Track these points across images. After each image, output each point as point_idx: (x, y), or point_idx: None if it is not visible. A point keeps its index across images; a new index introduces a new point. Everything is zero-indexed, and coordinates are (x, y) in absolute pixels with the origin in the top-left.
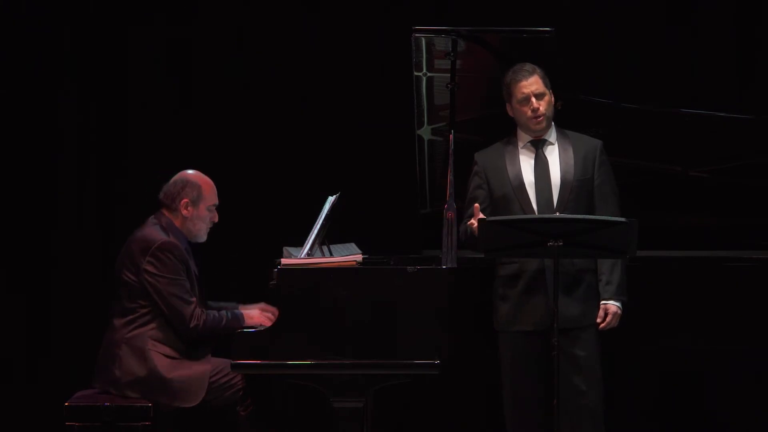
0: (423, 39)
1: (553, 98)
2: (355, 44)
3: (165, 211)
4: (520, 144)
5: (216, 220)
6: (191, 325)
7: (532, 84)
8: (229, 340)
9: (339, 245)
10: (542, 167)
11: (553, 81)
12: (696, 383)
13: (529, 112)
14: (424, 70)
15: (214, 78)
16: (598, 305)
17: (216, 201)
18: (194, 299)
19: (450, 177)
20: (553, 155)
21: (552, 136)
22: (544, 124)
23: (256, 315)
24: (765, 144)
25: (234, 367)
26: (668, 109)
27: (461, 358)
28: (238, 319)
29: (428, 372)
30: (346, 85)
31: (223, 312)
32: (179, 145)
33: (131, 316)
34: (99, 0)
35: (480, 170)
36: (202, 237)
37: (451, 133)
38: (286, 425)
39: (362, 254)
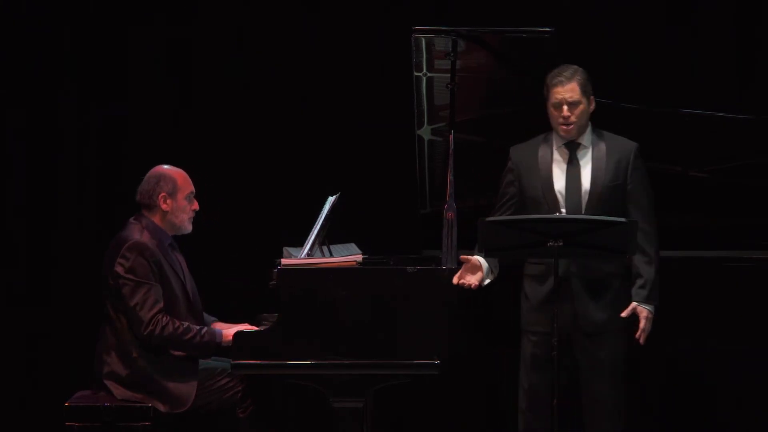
0: (423, 39)
1: (592, 105)
2: (355, 44)
3: (144, 212)
4: (555, 144)
5: (197, 208)
6: (145, 332)
7: (567, 91)
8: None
9: (339, 245)
10: (574, 172)
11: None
12: (696, 383)
13: (560, 119)
14: (424, 70)
15: (214, 78)
16: (622, 308)
17: (192, 189)
18: (157, 306)
19: (450, 177)
20: (585, 159)
21: (587, 139)
22: (573, 133)
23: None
24: (765, 144)
25: (234, 367)
26: (668, 109)
27: (461, 358)
28: (215, 335)
29: (428, 372)
30: (346, 85)
31: (198, 327)
32: (179, 145)
33: (116, 323)
34: (99, 0)
35: (513, 167)
36: (187, 227)
37: (451, 133)
38: (286, 426)
39: (362, 254)
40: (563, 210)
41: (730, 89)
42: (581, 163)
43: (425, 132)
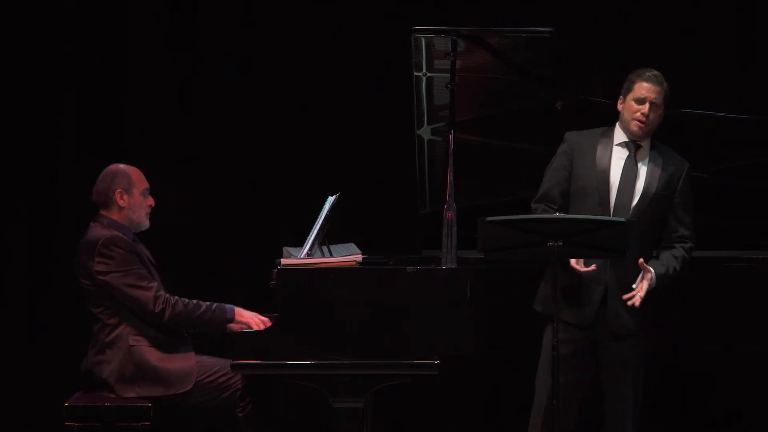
0: (423, 39)
1: (663, 118)
2: (355, 44)
3: (102, 211)
4: (616, 140)
5: (153, 204)
6: (156, 310)
7: (654, 92)
8: (229, 340)
9: (339, 245)
10: (631, 171)
11: (553, 81)
12: (695, 383)
13: (638, 114)
14: (424, 70)
15: (214, 78)
16: (648, 313)
17: (147, 185)
18: (155, 284)
19: (450, 177)
20: (643, 163)
21: (647, 144)
22: (644, 131)
23: (249, 315)
24: (765, 144)
25: (234, 367)
26: (668, 109)
27: (461, 358)
28: (225, 311)
29: (428, 372)
30: (346, 85)
31: (208, 303)
32: (179, 145)
33: (104, 321)
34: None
35: (568, 150)
36: (145, 223)
37: (451, 133)
38: (286, 426)
39: (362, 254)
40: (612, 206)
41: (730, 89)
42: (639, 164)
43: (425, 132)
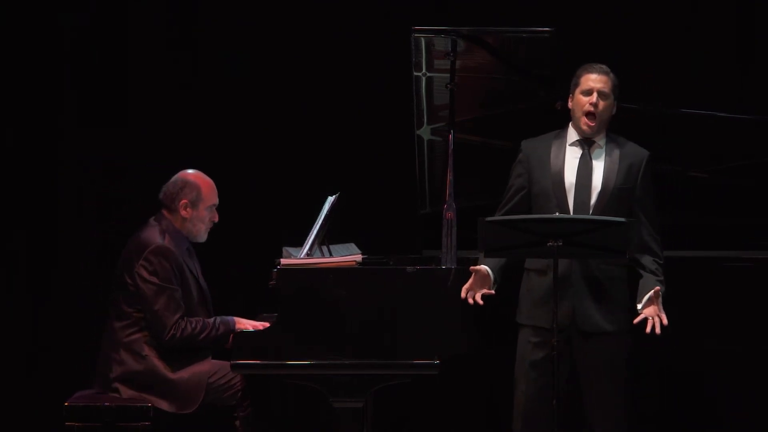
0: (423, 39)
1: (615, 109)
2: (355, 44)
3: (165, 212)
4: (569, 140)
5: (216, 219)
6: (166, 337)
7: (600, 81)
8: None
9: (339, 245)
10: (585, 168)
11: (553, 81)
12: (695, 383)
13: (587, 105)
14: (424, 70)
15: (214, 78)
16: (624, 312)
17: (216, 201)
18: (180, 311)
19: (450, 177)
20: (598, 158)
21: (602, 139)
22: (594, 128)
23: (248, 322)
24: (765, 144)
25: (234, 367)
26: (668, 109)
27: (461, 358)
28: (228, 324)
29: (428, 372)
30: (346, 85)
31: (212, 322)
32: (179, 144)
33: (129, 320)
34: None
35: (524, 159)
36: (202, 237)
37: (450, 133)
38: (286, 426)
39: (362, 254)
40: (571, 206)
41: (731, 89)
42: (594, 161)
43: (425, 132)
